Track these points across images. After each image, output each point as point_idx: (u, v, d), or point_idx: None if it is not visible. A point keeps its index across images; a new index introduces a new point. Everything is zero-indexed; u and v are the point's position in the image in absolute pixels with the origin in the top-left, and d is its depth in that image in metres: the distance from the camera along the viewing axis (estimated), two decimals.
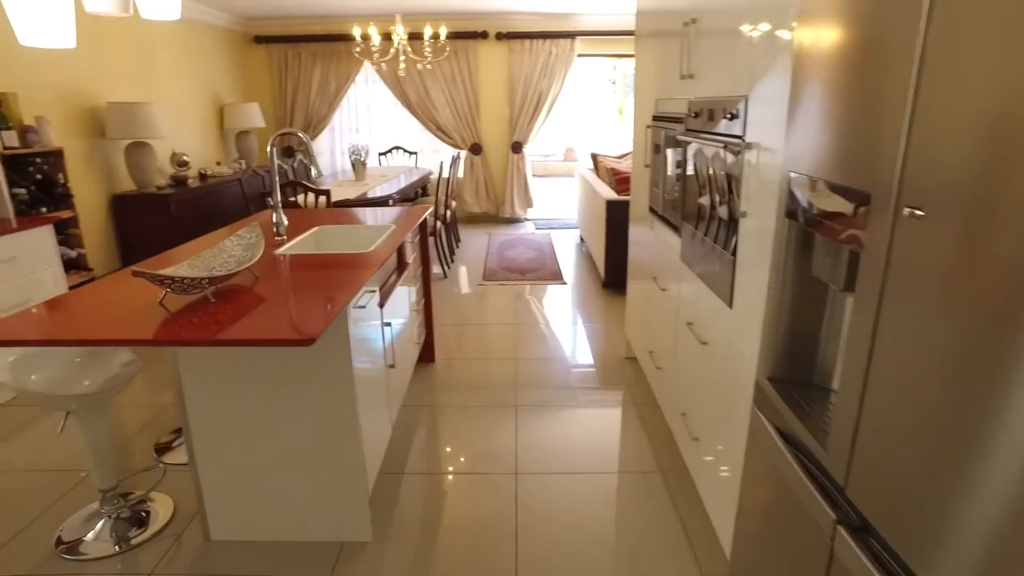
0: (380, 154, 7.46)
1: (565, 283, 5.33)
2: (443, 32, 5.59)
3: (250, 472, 2.02)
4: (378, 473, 2.48)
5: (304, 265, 2.24)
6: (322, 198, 4.25)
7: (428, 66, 6.09)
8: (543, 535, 2.16)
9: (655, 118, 2.89)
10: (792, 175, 1.29)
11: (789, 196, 1.30)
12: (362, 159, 5.78)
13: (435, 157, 7.77)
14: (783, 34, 1.44)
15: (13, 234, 3.24)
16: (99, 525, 2.20)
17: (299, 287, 1.96)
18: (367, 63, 7.20)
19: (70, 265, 3.96)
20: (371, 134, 7.72)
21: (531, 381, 3.39)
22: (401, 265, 2.84)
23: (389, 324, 2.49)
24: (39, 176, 3.77)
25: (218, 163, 6.21)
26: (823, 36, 1.16)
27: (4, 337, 1.56)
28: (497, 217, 7.87)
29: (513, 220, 7.90)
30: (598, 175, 6.27)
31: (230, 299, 1.85)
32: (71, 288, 3.72)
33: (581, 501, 2.35)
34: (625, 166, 6.11)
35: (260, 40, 7.23)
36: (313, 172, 2.61)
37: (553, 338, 4.03)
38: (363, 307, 2.08)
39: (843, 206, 1.07)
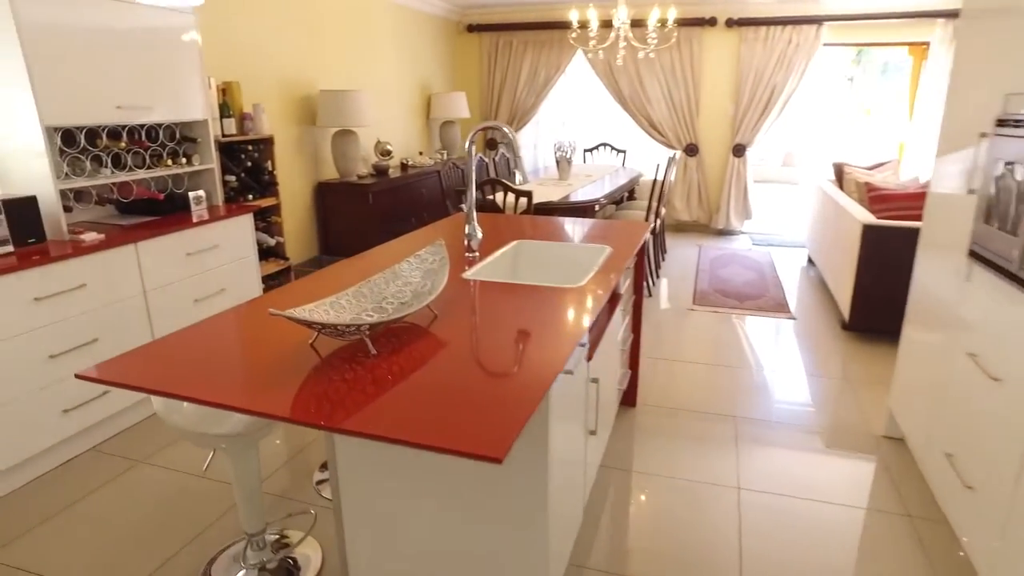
0: (585, 151, 6.95)
1: (793, 317, 4.40)
2: (671, 15, 4.88)
3: (407, 559, 1.57)
4: (565, 568, 1.92)
5: (498, 299, 1.74)
6: (522, 199, 3.80)
7: (651, 55, 5.42)
8: None
9: (1000, 123, 1.98)
10: None
11: None
12: (567, 156, 5.29)
13: (644, 157, 7.08)
14: None
15: (220, 222, 3.17)
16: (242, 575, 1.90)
17: (488, 336, 1.45)
18: (579, 53, 6.71)
19: (268, 253, 3.92)
20: (577, 129, 7.23)
21: (754, 453, 2.63)
22: (614, 298, 2.25)
23: (596, 380, 1.91)
24: (249, 163, 3.74)
25: (420, 153, 6.10)
26: None
27: (117, 380, 1.22)
28: (708, 228, 6.99)
29: (726, 232, 6.97)
30: (842, 189, 5.18)
31: (397, 348, 1.39)
32: (264, 279, 3.65)
33: None
34: (882, 180, 4.96)
35: (473, 29, 7.04)
36: (518, 178, 2.09)
37: (781, 392, 3.21)
38: (571, 372, 1.52)
39: None
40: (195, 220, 3.06)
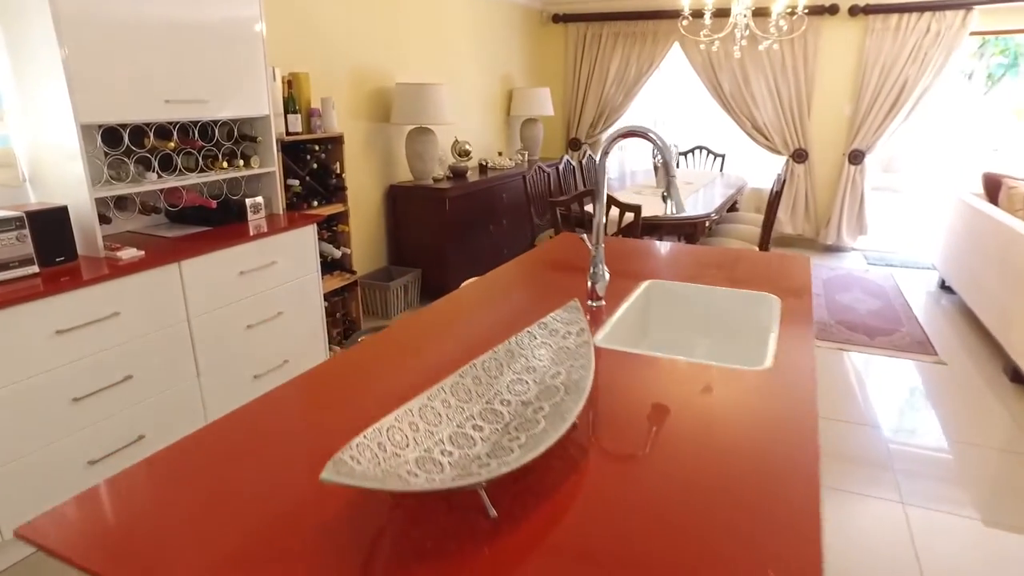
0: (680, 154, 6.29)
1: (941, 362, 3.66)
2: (801, 2, 4.19)
3: None
4: None
5: (654, 385, 1.18)
6: (627, 214, 3.23)
7: (775, 46, 4.73)
8: None
9: None
10: None
11: None
12: (665, 161, 4.67)
13: (745, 162, 6.37)
14: None
15: (280, 235, 2.73)
16: None
17: (671, 468, 0.90)
18: (675, 46, 6.05)
19: (332, 266, 3.48)
20: (670, 130, 6.57)
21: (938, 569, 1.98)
22: None
23: None
24: (315, 165, 3.30)
25: (499, 153, 5.59)
26: None
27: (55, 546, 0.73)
28: (815, 242, 6.22)
29: (836, 248, 6.18)
30: (995, 204, 4.36)
31: (529, 500, 0.85)
32: (328, 295, 3.20)
33: None
34: None
35: (558, 19, 6.47)
36: (671, 207, 1.51)
37: (951, 473, 2.53)
38: None
39: None
40: (252, 232, 2.63)
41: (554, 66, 6.70)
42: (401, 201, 4.32)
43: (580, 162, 5.35)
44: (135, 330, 2.20)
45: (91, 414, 2.09)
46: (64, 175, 2.22)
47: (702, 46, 5.42)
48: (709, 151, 6.19)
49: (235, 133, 2.79)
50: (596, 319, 1.58)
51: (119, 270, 2.13)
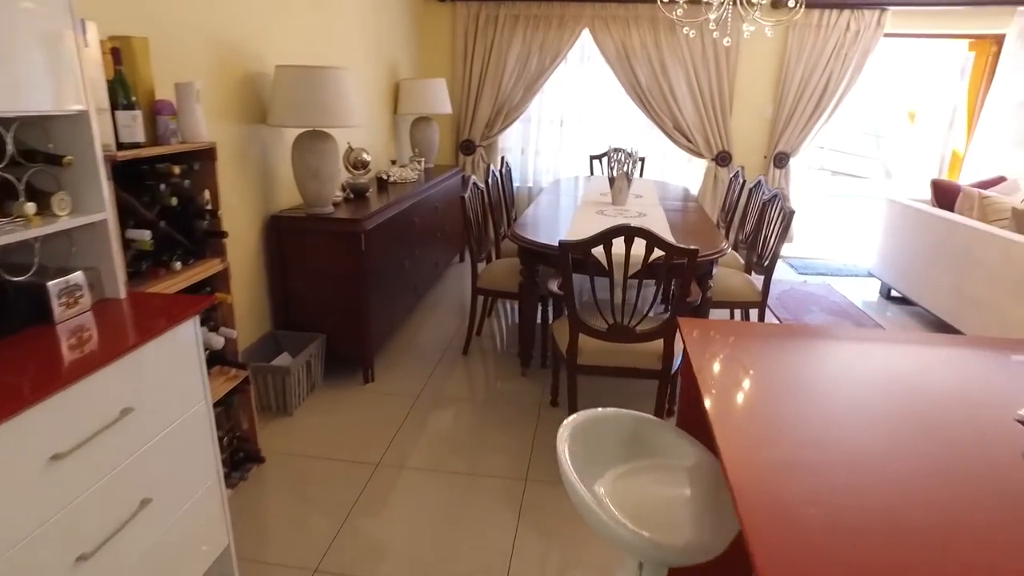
0: (592, 158, 5.47)
1: None
2: None
3: None
4: None
5: None
6: (637, 247, 2.25)
7: (769, 33, 4.00)
8: None
9: None
10: None
11: None
12: (627, 170, 3.78)
13: (664, 166, 5.72)
14: None
15: (130, 353, 1.37)
16: None
17: None
18: (584, 34, 5.21)
19: (210, 361, 2.12)
20: (578, 129, 5.72)
21: None
22: None
23: None
24: (174, 200, 1.91)
25: (392, 162, 4.35)
26: None
27: None
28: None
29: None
30: (960, 212, 4.06)
31: None
32: (221, 443, 1.87)
33: None
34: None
35: None
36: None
37: None
38: None
39: None
40: (66, 360, 1.27)
41: (443, 55, 5.55)
42: (290, 239, 2.97)
43: (500, 173, 4.29)
44: None
45: None
46: None
47: (713, 27, 4.61)
48: (627, 154, 5.43)
49: (10, 149, 1.38)
50: None
51: None
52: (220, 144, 2.48)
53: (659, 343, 2.39)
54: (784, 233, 3.17)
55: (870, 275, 5.05)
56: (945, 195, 4.35)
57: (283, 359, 2.97)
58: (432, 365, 3.37)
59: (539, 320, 3.34)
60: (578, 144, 5.68)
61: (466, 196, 3.21)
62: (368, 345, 3.07)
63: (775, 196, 3.38)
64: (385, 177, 3.95)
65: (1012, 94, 5.18)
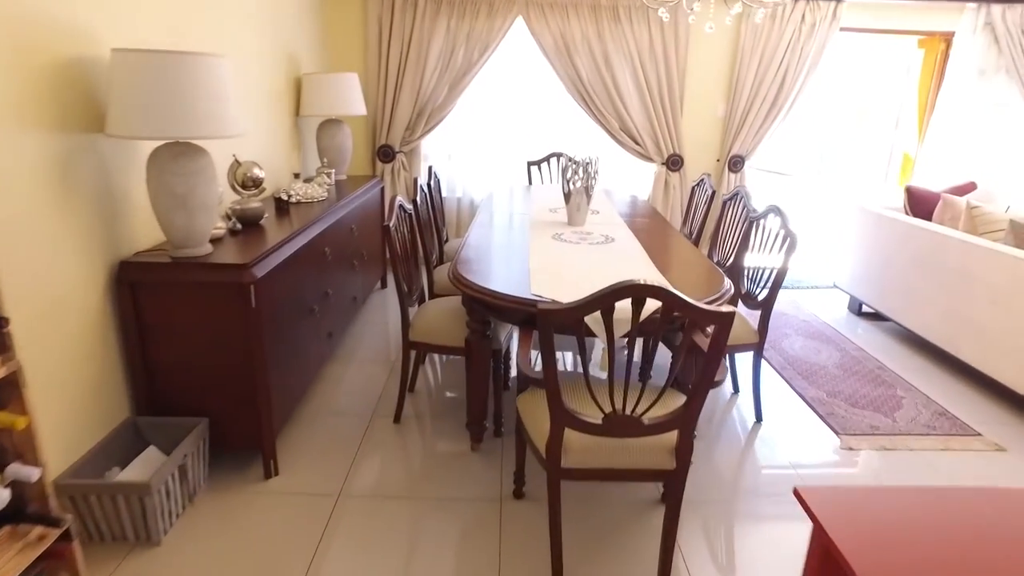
0: (530, 164, 4.82)
1: (999, 447, 2.74)
2: None
3: None
4: None
5: None
6: (645, 305, 1.61)
7: (728, 21, 3.43)
8: None
9: None
10: None
11: None
12: (586, 185, 3.14)
13: (607, 171, 5.14)
14: None
15: None
16: None
17: None
18: (518, 22, 4.55)
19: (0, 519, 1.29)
20: (514, 133, 5.05)
21: None
22: None
23: None
24: None
25: (296, 175, 3.52)
26: None
27: None
28: None
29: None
30: (941, 222, 3.69)
31: None
32: None
33: None
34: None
35: None
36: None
37: None
38: None
39: None
40: None
41: (355, 46, 4.74)
42: (150, 292, 2.14)
43: (427, 188, 3.55)
44: None
45: None
46: None
47: (695, 14, 3.99)
48: (570, 160, 4.81)
49: None
50: None
51: None
52: (14, 164, 1.64)
53: (671, 435, 1.75)
54: (787, 260, 2.62)
55: (835, 287, 4.67)
56: (921, 203, 3.98)
57: (147, 460, 2.14)
58: (356, 442, 2.61)
59: (491, 371, 2.65)
60: (515, 149, 5.02)
61: (390, 225, 2.47)
62: (267, 427, 2.29)
63: (768, 212, 2.84)
64: (285, 197, 3.13)
65: (963, 94, 4.94)
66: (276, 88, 3.62)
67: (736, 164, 4.91)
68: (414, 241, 2.93)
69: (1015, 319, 2.96)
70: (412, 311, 2.74)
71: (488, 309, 2.14)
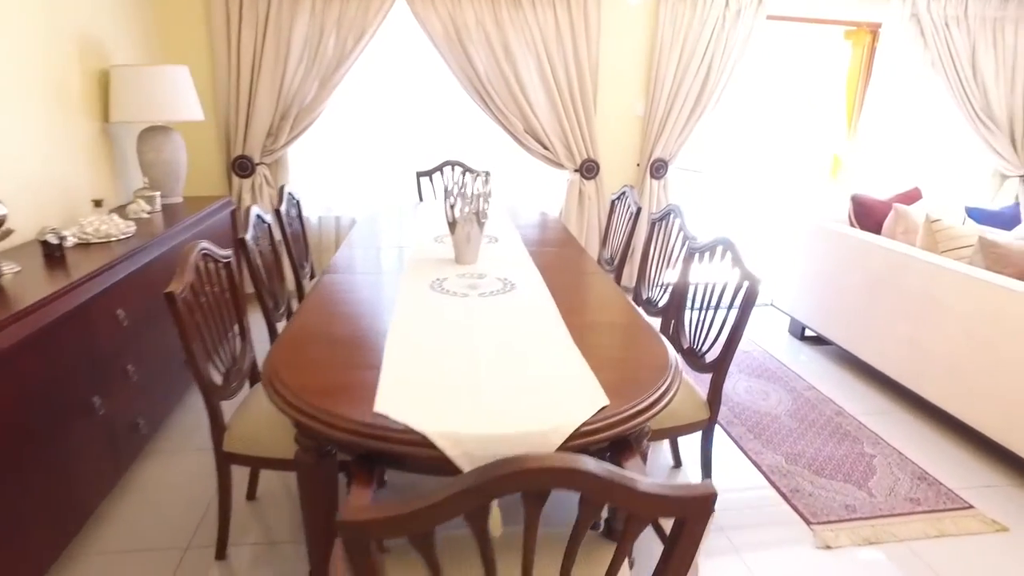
0: (420, 175, 4.03)
1: (1002, 527, 2.22)
2: None
3: None
4: None
5: None
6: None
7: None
8: None
9: None
10: None
11: None
12: (478, 210, 2.36)
13: (511, 179, 4.43)
14: None
15: None
16: None
17: None
18: (400, 5, 3.76)
19: None
20: (400, 137, 4.26)
21: None
22: None
23: None
24: None
25: (97, 204, 2.59)
26: None
27: None
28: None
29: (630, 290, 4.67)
30: (892, 236, 3.21)
31: None
32: None
33: None
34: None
35: None
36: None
37: None
38: None
39: None
40: None
41: (194, 32, 3.80)
42: None
43: (275, 212, 2.70)
44: None
45: None
46: None
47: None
48: (466, 169, 4.07)
49: None
50: None
51: None
52: None
53: None
54: (745, 316, 1.98)
55: (772, 306, 4.16)
56: (868, 213, 3.49)
57: None
58: None
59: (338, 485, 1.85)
60: (403, 157, 4.22)
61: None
62: None
63: (715, 245, 2.19)
64: (58, 241, 2.22)
65: (892, 91, 4.55)
66: (63, 85, 2.67)
67: (659, 169, 4.31)
68: (277, 259, 2.11)
69: (994, 357, 2.46)
70: (231, 405, 1.92)
71: (309, 434, 1.36)
